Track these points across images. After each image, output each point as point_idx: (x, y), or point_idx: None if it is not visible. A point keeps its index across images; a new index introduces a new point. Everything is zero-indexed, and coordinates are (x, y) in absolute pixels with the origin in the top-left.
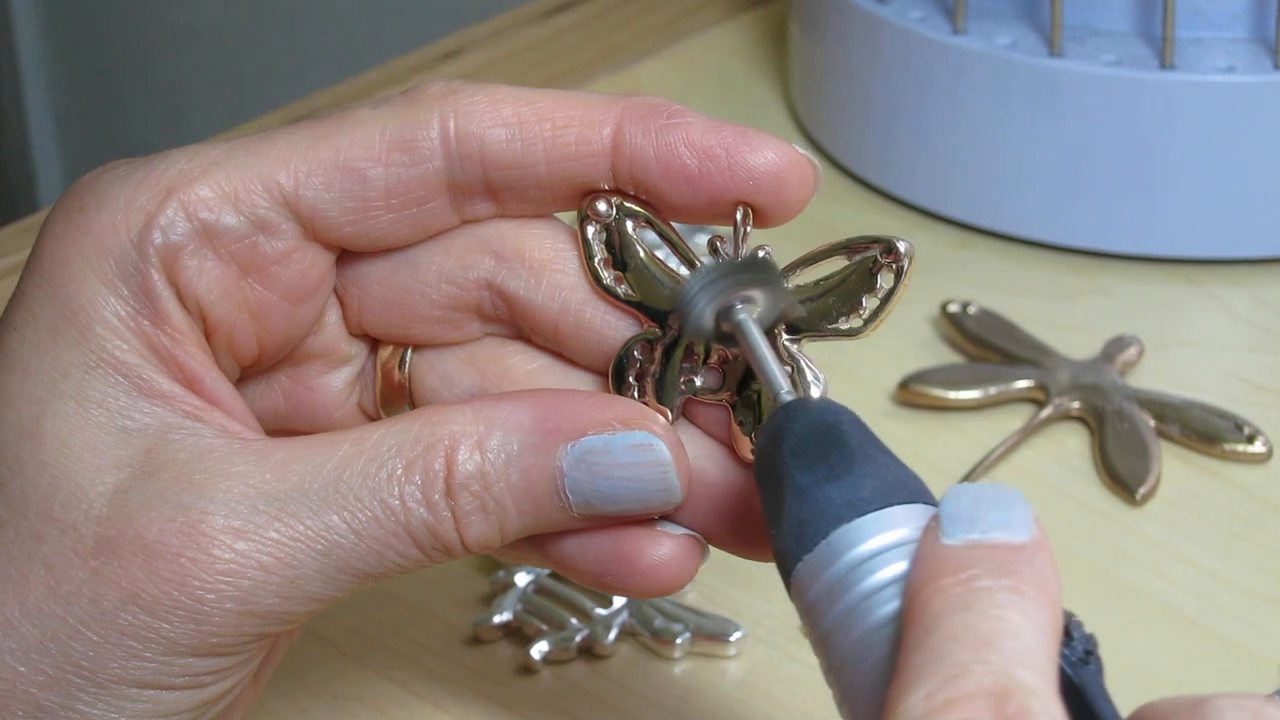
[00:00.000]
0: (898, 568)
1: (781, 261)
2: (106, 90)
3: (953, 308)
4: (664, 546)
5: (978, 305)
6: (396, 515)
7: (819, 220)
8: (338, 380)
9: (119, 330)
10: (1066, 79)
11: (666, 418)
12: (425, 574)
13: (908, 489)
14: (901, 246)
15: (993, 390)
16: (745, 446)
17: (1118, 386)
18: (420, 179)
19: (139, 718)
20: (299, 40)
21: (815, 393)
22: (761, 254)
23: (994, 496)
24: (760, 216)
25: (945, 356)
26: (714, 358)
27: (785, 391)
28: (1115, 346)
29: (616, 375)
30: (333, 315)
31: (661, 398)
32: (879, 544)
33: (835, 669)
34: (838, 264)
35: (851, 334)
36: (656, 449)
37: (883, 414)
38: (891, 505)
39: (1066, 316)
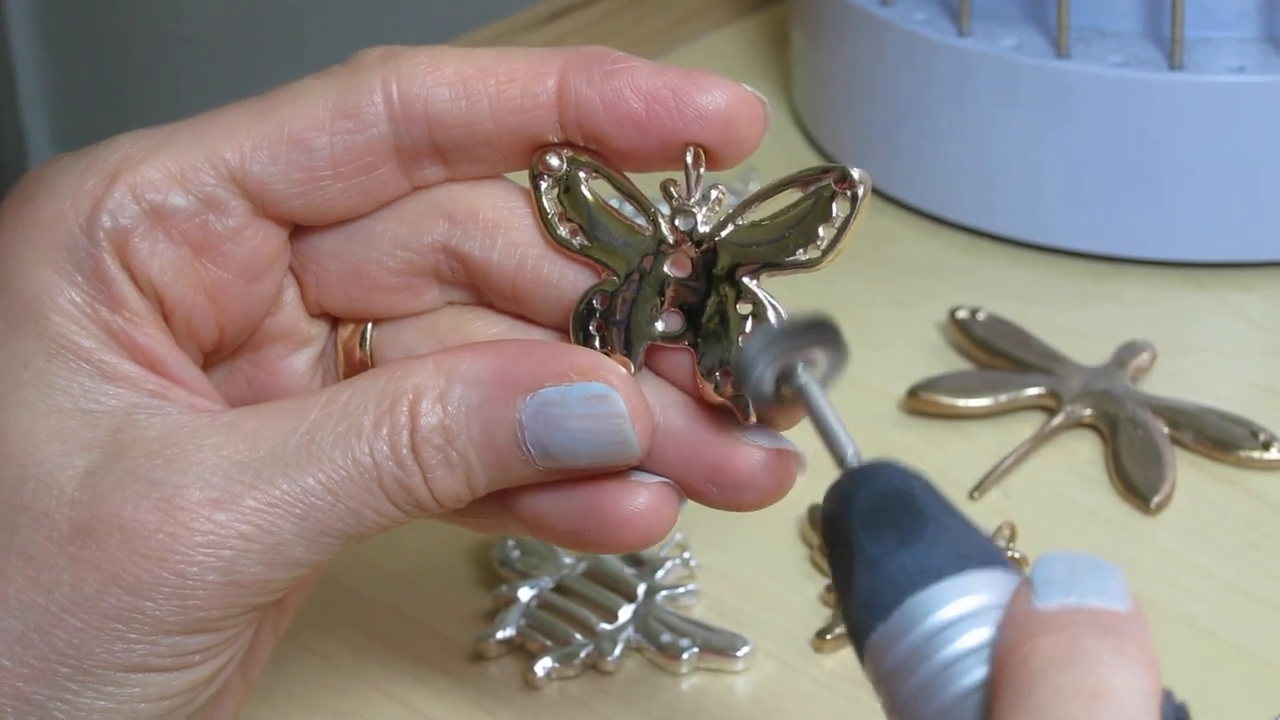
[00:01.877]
0: (978, 635)
1: (733, 203)
2: (103, 102)
3: (961, 314)
4: (640, 496)
5: (987, 311)
6: (368, 471)
7: None
8: (300, 363)
9: (76, 317)
10: (1074, 81)
11: (628, 368)
12: (428, 589)
13: (982, 554)
14: (855, 174)
15: (1003, 398)
16: (709, 390)
17: (1130, 393)
18: (367, 145)
19: (130, 703)
20: (295, 50)
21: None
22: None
23: (1090, 564)
24: (712, 158)
25: (954, 364)
26: (669, 300)
27: (852, 455)
28: (1127, 352)
29: (578, 327)
30: (290, 294)
31: (623, 347)
32: (957, 611)
33: None
34: (792, 197)
35: (810, 265)
36: (612, 400)
37: (891, 423)
38: (967, 571)
39: (1077, 322)
